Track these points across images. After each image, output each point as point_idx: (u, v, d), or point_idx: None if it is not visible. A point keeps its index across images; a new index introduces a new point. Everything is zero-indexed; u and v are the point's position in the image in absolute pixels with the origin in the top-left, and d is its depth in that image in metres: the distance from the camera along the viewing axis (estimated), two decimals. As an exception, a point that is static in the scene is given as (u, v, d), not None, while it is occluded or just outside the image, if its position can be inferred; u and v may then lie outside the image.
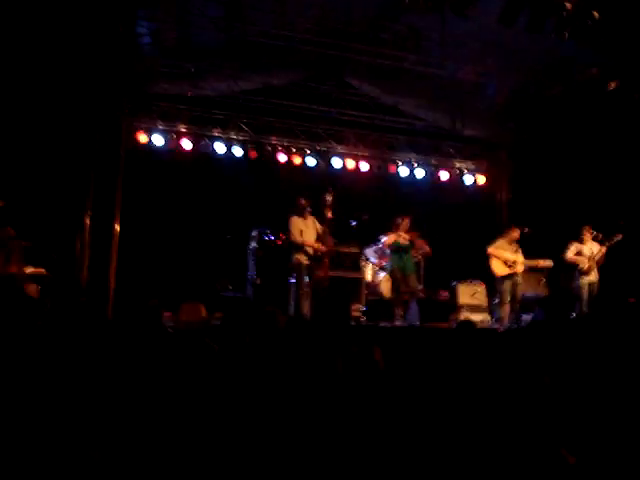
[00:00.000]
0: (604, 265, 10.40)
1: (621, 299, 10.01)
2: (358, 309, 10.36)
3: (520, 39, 9.23)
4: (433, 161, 13.27)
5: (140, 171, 11.01)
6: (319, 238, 9.64)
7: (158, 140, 11.33)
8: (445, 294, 11.49)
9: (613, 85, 10.46)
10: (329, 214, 9.64)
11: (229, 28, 9.34)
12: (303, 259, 9.47)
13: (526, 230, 10.68)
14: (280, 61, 10.47)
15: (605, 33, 9.21)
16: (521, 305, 10.63)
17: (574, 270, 10.45)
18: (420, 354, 5.93)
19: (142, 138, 11.28)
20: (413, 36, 9.59)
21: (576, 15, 8.81)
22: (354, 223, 11.00)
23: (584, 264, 10.31)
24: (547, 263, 10.79)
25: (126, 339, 4.44)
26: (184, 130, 11.57)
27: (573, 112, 11.32)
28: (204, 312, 6.50)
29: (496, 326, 10.39)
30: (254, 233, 10.78)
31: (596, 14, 8.82)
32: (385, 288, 10.83)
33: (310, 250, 9.50)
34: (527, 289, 10.96)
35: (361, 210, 11.57)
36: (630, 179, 11.20)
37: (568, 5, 8.53)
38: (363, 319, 10.35)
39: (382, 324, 9.71)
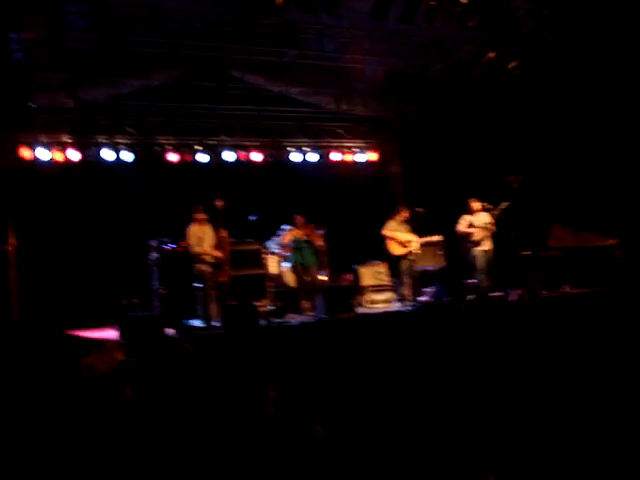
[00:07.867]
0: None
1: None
2: (265, 305, 10.45)
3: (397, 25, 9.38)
4: (324, 144, 13.42)
5: (31, 188, 10.77)
6: (218, 244, 9.71)
7: (43, 154, 11.06)
8: (349, 277, 11.72)
9: (513, 64, 10.91)
10: (222, 220, 9.76)
11: (102, 40, 9.18)
12: (204, 267, 9.53)
13: (420, 210, 11.14)
14: (159, 63, 10.42)
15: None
16: (422, 278, 11.15)
17: (468, 241, 10.86)
18: (327, 345, 6.23)
19: (26, 153, 10.99)
20: (290, 30, 9.59)
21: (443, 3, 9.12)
22: (253, 218, 10.93)
23: (476, 235, 10.73)
24: (438, 238, 11.27)
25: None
26: (69, 140, 11.33)
27: (453, 89, 11.71)
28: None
29: (399, 305, 10.81)
30: (154, 243, 10.55)
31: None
32: (290, 278, 11.06)
33: (209, 258, 9.57)
34: (426, 263, 11.39)
35: (258, 202, 11.62)
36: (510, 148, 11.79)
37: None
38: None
39: (291, 319, 9.83)
